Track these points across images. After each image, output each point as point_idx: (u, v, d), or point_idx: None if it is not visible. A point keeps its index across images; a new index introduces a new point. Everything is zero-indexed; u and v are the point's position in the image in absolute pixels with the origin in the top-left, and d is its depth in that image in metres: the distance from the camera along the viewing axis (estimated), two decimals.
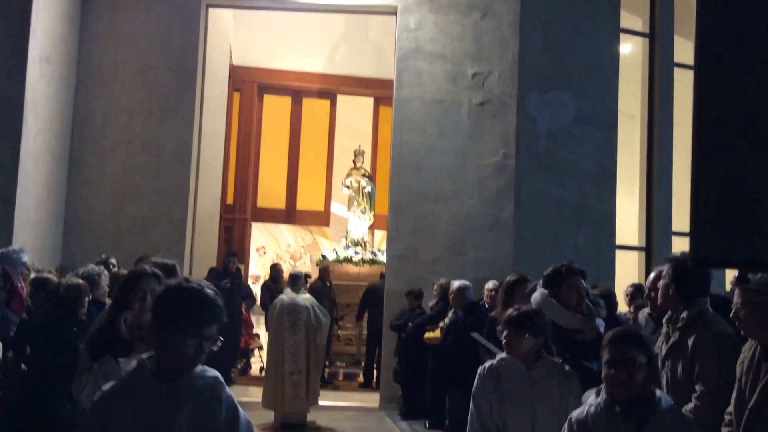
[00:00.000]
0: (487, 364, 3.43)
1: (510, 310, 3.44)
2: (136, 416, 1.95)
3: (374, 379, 9.99)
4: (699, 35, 1.22)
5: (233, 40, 12.11)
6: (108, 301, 5.03)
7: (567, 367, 3.33)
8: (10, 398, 4.09)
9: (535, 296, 3.61)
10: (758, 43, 1.17)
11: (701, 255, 1.22)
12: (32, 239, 7.62)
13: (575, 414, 2.61)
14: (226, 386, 2.09)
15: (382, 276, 9.99)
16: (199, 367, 2.04)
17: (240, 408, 2.10)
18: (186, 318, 1.99)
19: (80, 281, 4.50)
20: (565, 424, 2.61)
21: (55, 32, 8.16)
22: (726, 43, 1.19)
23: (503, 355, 3.38)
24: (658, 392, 2.54)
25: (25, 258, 4.00)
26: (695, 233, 1.22)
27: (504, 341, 3.34)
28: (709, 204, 1.19)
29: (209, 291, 2.04)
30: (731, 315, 2.76)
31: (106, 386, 2.05)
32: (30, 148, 7.56)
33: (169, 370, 2.00)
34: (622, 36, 9.57)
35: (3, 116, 7.30)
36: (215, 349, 2.03)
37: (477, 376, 3.39)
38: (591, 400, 2.58)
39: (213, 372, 2.07)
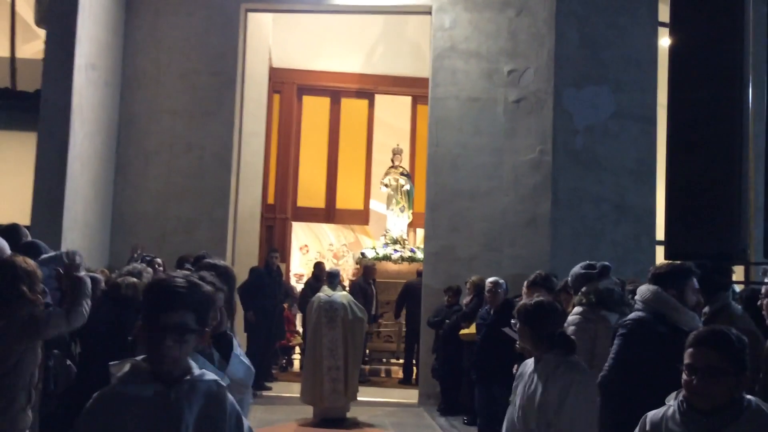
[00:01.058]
0: (526, 360, 3.47)
1: (523, 302, 3.42)
2: (136, 421, 1.88)
3: (413, 376, 10.07)
4: (671, 50, 1.28)
5: (272, 42, 12.32)
6: None
7: (571, 359, 3.22)
8: (59, 396, 4.26)
9: (645, 293, 3.29)
10: (721, 56, 1.22)
11: (675, 249, 1.27)
12: (80, 240, 7.89)
13: (651, 413, 2.41)
14: (227, 391, 2.04)
15: (419, 273, 10.07)
16: (198, 370, 1.98)
17: (242, 414, 2.07)
18: (146, 309, 1.95)
19: (136, 280, 4.68)
20: (639, 422, 2.42)
21: (100, 39, 8.45)
22: (694, 57, 1.25)
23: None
24: (749, 398, 2.26)
25: (79, 260, 4.16)
26: (669, 229, 1.27)
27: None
28: (681, 201, 1.24)
29: (177, 280, 1.96)
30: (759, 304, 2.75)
31: (98, 393, 1.97)
32: (77, 151, 7.83)
33: (158, 370, 1.92)
34: (660, 29, 9.44)
35: (51, 121, 7.58)
36: (186, 341, 1.91)
37: None
38: (671, 400, 2.37)
39: (212, 375, 2.01)
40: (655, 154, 9.17)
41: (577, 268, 4.43)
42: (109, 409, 1.91)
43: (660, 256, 9.05)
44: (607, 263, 4.43)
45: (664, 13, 9.48)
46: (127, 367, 1.94)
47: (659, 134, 9.21)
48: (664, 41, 9.74)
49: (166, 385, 1.92)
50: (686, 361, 2.25)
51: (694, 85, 1.11)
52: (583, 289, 4.17)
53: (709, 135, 1.09)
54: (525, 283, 5.31)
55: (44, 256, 4.06)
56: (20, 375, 3.36)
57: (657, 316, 2.97)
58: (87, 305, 3.71)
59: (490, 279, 6.67)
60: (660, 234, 9.11)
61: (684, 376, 2.25)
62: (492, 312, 6.45)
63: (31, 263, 3.55)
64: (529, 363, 3.36)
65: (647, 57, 9.22)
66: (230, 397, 2.02)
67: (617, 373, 3.29)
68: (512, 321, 3.42)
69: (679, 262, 3.33)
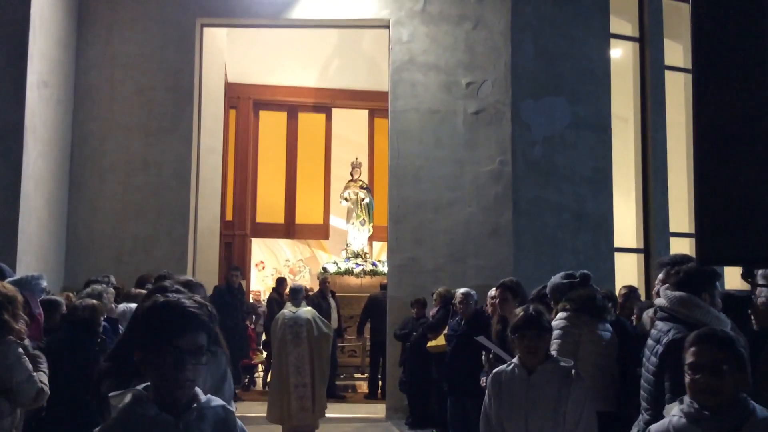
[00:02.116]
0: (496, 369, 3.43)
1: (520, 312, 3.34)
2: None
3: (379, 390, 10.02)
4: (695, 41, 1.28)
5: (227, 57, 12.20)
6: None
7: (574, 371, 3.23)
8: (34, 421, 4.12)
9: (672, 297, 3.13)
10: (752, 46, 1.22)
11: (707, 255, 1.27)
12: (35, 262, 7.65)
13: (655, 427, 2.39)
14: (235, 415, 1.96)
15: (383, 287, 10.04)
16: (204, 396, 1.88)
17: None
18: (154, 333, 1.83)
19: (95, 302, 4.57)
20: None
21: (52, 56, 8.24)
22: (721, 47, 1.24)
23: (514, 360, 3.34)
24: (749, 400, 2.27)
25: (44, 284, 4.01)
26: (700, 234, 1.26)
27: (526, 346, 3.24)
28: (712, 205, 1.23)
29: (185, 301, 1.87)
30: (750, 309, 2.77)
31: (99, 428, 1.87)
32: (31, 171, 7.61)
33: (168, 398, 1.81)
34: (612, 41, 9.69)
35: (4, 141, 7.35)
36: (203, 362, 1.83)
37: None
38: (674, 410, 2.35)
39: (218, 400, 1.92)
40: (611, 162, 9.37)
41: (557, 278, 4.47)
42: None
43: (620, 263, 9.26)
44: (587, 272, 4.50)
45: (615, 26, 9.75)
46: (128, 398, 1.83)
47: (614, 143, 9.43)
48: (616, 52, 10.01)
49: (173, 414, 1.82)
50: (689, 360, 2.26)
51: (720, 86, 1.12)
52: (567, 295, 4.22)
53: (737, 136, 1.10)
54: (497, 294, 5.30)
55: (8, 279, 3.90)
56: None
57: (690, 325, 2.84)
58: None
59: (461, 290, 6.67)
60: (618, 241, 9.33)
61: (688, 377, 2.25)
62: (463, 323, 6.45)
63: (10, 288, 3.36)
64: (507, 374, 3.29)
65: (601, 68, 9.44)
66: (239, 422, 1.95)
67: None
68: (512, 335, 3.34)
69: (703, 267, 3.20)
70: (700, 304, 2.98)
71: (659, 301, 3.18)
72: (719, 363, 2.21)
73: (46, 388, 3.28)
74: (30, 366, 3.24)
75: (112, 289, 5.56)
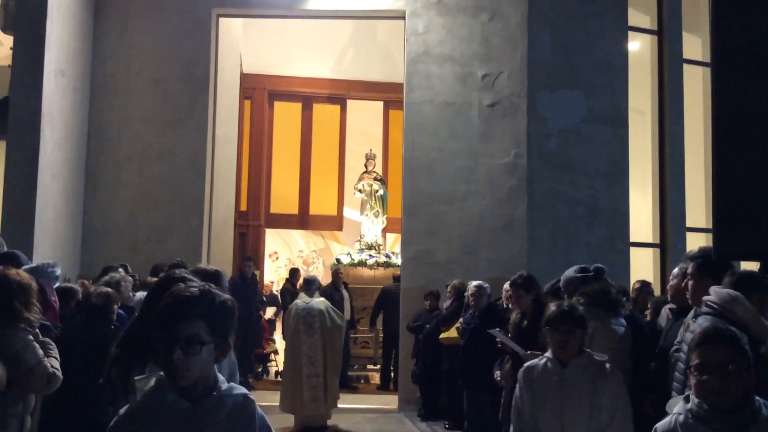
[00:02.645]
0: (527, 363, 3.43)
1: (553, 308, 3.33)
2: None
3: (390, 382, 10.03)
4: (714, 36, 1.26)
5: (243, 48, 12.21)
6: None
7: (608, 365, 3.23)
8: (50, 406, 4.17)
9: (723, 294, 3.13)
10: (767, 47, 1.20)
11: (723, 250, 1.26)
12: (51, 251, 7.72)
13: (661, 425, 2.35)
14: (256, 404, 1.97)
15: (396, 278, 10.04)
16: (226, 384, 1.91)
17: (272, 427, 2.02)
18: (160, 321, 1.85)
19: (109, 289, 4.61)
20: None
21: (69, 45, 8.28)
22: (741, 43, 1.23)
23: (547, 354, 3.32)
24: (757, 399, 2.23)
25: (59, 272, 4.04)
26: (717, 229, 1.25)
27: (557, 340, 3.24)
28: (729, 200, 1.22)
29: (192, 289, 1.88)
30: None
31: (125, 408, 1.90)
32: (47, 160, 7.67)
33: (183, 386, 1.83)
34: (630, 34, 9.59)
35: (20, 129, 7.41)
36: (197, 353, 1.82)
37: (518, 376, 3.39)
38: (678, 408, 2.32)
39: (241, 389, 1.95)
40: (628, 156, 9.29)
41: (570, 272, 4.45)
42: (136, 425, 1.84)
43: (635, 258, 9.20)
44: (601, 266, 4.46)
45: (633, 18, 9.65)
46: (152, 382, 1.87)
47: (631, 137, 9.35)
48: (633, 45, 9.91)
49: (191, 401, 1.84)
50: (696, 361, 2.22)
51: (738, 79, 1.10)
52: (581, 289, 4.20)
53: (755, 131, 1.09)
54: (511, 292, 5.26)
55: (24, 267, 3.94)
56: (9, 403, 3.19)
57: (733, 323, 2.78)
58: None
59: (474, 283, 6.66)
60: (634, 235, 9.26)
61: (695, 378, 2.21)
62: (476, 316, 6.44)
63: (25, 276, 3.36)
64: (540, 368, 3.28)
65: (618, 61, 9.35)
66: (259, 410, 1.96)
67: None
68: (545, 328, 3.32)
69: (753, 271, 3.28)
70: (748, 306, 2.99)
71: (708, 297, 3.15)
72: (726, 363, 2.16)
73: (59, 373, 3.30)
74: (40, 352, 3.26)
75: (130, 278, 5.59)
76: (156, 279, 5.98)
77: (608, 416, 3.11)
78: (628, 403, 3.19)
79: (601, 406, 3.09)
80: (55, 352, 3.33)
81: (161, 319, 1.85)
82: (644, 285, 6.34)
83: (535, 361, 3.38)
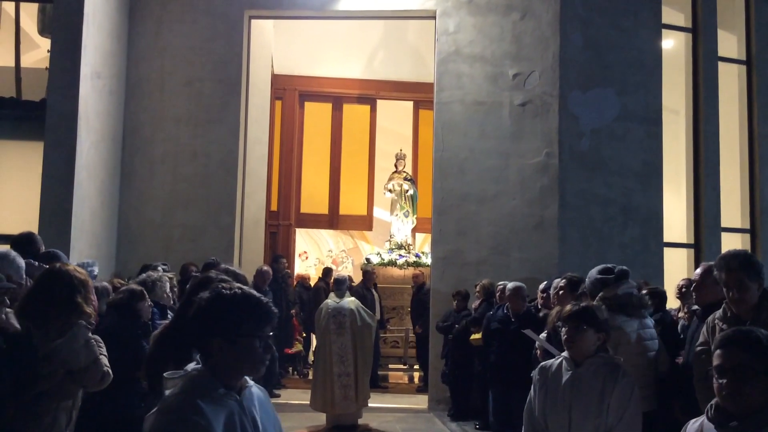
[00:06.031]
0: (542, 363, 3.43)
1: (569, 306, 3.34)
2: (229, 429, 1.90)
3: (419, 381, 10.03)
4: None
5: (274, 49, 12.31)
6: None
7: (621, 368, 3.21)
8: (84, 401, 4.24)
9: None
10: None
11: None
12: (88, 249, 7.87)
13: (691, 424, 2.31)
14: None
15: (415, 277, 10.03)
16: (248, 379, 2.05)
17: None
18: (243, 323, 1.95)
19: (135, 286, 4.67)
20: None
21: (105, 48, 8.43)
22: None
23: (564, 354, 3.32)
24: None
25: (97, 270, 4.09)
26: None
27: (564, 337, 3.25)
28: None
29: (259, 295, 2.06)
30: None
31: (178, 408, 1.89)
32: (84, 160, 7.81)
33: (231, 379, 1.96)
34: (664, 31, 9.47)
35: (57, 130, 7.56)
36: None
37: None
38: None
39: (252, 381, 2.07)
40: (661, 156, 9.17)
41: (593, 272, 4.37)
42: (206, 418, 1.86)
43: (669, 258, 9.07)
44: (625, 267, 4.38)
45: (667, 16, 9.51)
46: (194, 379, 1.94)
47: (665, 136, 9.22)
48: (667, 43, 9.77)
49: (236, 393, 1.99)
50: (715, 363, 2.15)
51: None
52: (601, 294, 4.13)
53: None
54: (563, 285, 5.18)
55: None
56: (63, 397, 3.25)
57: None
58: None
59: (511, 284, 6.62)
60: (668, 236, 9.14)
61: (715, 382, 2.14)
62: (514, 317, 6.42)
63: (82, 272, 3.43)
64: (554, 367, 3.29)
65: (651, 59, 9.24)
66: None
67: None
68: (557, 324, 3.35)
69: None
70: None
71: None
72: (745, 366, 2.08)
73: (110, 371, 3.36)
74: (97, 349, 3.32)
75: (167, 277, 5.60)
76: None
77: (615, 418, 3.09)
78: (637, 407, 3.15)
79: (609, 407, 3.07)
80: (104, 350, 3.39)
81: (250, 322, 1.97)
82: (690, 284, 6.22)
83: (551, 360, 3.39)
